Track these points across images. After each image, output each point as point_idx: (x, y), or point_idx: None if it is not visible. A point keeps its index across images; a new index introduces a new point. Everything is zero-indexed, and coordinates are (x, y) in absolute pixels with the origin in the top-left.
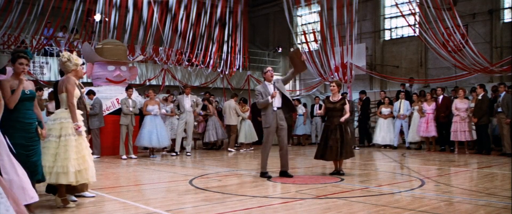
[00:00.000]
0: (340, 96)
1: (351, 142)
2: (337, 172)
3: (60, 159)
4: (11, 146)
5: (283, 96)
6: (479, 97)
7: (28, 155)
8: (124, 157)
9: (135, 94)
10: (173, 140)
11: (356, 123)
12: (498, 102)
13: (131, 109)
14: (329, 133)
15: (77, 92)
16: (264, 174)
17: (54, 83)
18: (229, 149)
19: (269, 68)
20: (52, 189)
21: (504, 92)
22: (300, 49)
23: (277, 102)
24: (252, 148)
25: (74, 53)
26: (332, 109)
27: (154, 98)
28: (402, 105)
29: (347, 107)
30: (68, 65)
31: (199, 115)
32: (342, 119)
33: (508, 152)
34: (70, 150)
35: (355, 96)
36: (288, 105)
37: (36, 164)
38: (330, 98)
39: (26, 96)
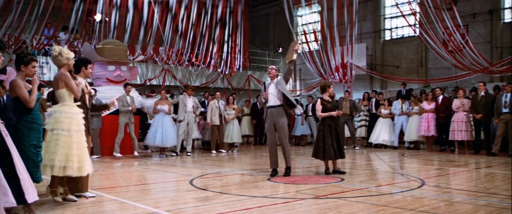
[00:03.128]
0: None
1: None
2: (338, 171)
3: (49, 152)
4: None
5: (283, 95)
6: (483, 93)
7: (38, 155)
8: (136, 154)
9: (135, 94)
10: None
11: (357, 123)
12: (505, 103)
13: (128, 102)
14: (334, 132)
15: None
16: (272, 171)
17: None
18: (213, 151)
19: (271, 66)
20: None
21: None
22: (300, 46)
23: (271, 101)
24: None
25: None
26: (332, 107)
27: (164, 98)
28: (404, 105)
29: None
30: (60, 59)
31: (200, 117)
32: (335, 113)
33: None
34: (59, 145)
35: (357, 96)
36: (287, 103)
37: (40, 165)
38: (324, 97)
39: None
